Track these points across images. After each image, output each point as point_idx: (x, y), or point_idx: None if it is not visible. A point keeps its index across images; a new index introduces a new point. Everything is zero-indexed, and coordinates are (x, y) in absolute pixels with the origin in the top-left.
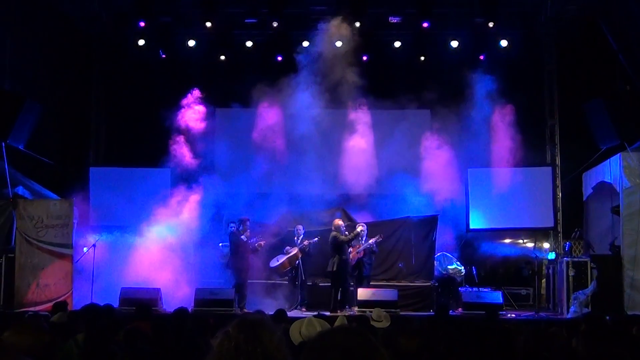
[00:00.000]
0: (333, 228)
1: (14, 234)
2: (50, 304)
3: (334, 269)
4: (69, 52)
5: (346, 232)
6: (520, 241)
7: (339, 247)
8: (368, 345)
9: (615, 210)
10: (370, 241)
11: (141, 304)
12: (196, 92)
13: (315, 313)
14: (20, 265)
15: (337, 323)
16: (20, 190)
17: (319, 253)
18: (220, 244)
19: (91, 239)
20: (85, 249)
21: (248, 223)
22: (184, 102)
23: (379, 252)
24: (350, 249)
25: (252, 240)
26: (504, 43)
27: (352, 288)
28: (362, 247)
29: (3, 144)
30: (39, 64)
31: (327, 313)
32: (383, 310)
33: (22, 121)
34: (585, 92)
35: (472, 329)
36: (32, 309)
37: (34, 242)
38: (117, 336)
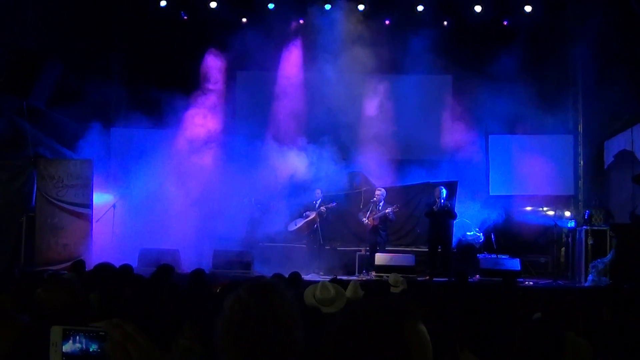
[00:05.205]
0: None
1: (34, 193)
2: (69, 263)
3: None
4: (91, 12)
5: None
6: (540, 209)
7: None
8: (396, 325)
9: (635, 179)
10: (387, 210)
11: (163, 265)
12: (217, 54)
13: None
14: (40, 225)
15: (349, 288)
16: (41, 149)
17: (336, 217)
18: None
19: (111, 199)
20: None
21: None
22: (205, 64)
23: (395, 220)
24: (367, 215)
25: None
26: (527, 8)
27: (368, 253)
28: (377, 215)
29: (24, 103)
30: (61, 23)
31: (344, 277)
32: (400, 275)
33: (43, 80)
34: (609, 59)
35: (487, 296)
36: (52, 267)
37: (54, 202)
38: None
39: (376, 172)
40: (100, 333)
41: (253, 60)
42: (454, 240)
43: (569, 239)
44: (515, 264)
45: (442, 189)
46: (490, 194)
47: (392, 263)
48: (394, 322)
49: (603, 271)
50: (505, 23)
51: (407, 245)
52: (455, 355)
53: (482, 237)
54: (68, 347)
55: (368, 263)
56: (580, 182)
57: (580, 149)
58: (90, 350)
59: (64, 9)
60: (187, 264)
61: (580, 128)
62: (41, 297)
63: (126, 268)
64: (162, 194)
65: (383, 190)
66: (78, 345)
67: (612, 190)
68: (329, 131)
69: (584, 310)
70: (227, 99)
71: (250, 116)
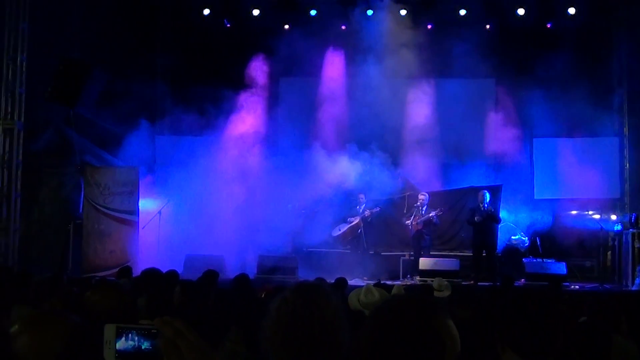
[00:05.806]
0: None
1: (81, 200)
2: (116, 270)
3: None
4: (134, 21)
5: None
6: (586, 212)
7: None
8: (434, 317)
9: None
10: (431, 214)
11: (208, 271)
12: (260, 61)
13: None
14: (87, 232)
15: (393, 292)
16: (87, 157)
17: (380, 222)
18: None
19: (157, 205)
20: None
21: None
22: (249, 70)
23: (440, 224)
24: (411, 220)
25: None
26: (571, 10)
27: (412, 258)
28: (421, 219)
29: (71, 112)
30: (106, 33)
31: (388, 282)
32: (445, 280)
33: (89, 89)
34: None
35: (532, 298)
36: (99, 274)
37: (100, 209)
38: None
39: (421, 176)
40: (153, 331)
41: (297, 67)
42: (499, 244)
43: (616, 243)
44: (561, 267)
45: (485, 194)
46: (535, 197)
47: (436, 267)
48: (428, 315)
49: None
50: (548, 26)
51: (452, 250)
52: (497, 355)
53: (528, 241)
54: (121, 344)
55: (412, 268)
56: (627, 185)
57: (626, 152)
58: (143, 347)
59: (109, 19)
60: (231, 270)
61: (626, 130)
62: (90, 299)
63: (172, 273)
64: (207, 200)
65: (426, 194)
66: (131, 342)
67: None
68: (374, 136)
69: (629, 313)
70: (272, 105)
71: (295, 122)
